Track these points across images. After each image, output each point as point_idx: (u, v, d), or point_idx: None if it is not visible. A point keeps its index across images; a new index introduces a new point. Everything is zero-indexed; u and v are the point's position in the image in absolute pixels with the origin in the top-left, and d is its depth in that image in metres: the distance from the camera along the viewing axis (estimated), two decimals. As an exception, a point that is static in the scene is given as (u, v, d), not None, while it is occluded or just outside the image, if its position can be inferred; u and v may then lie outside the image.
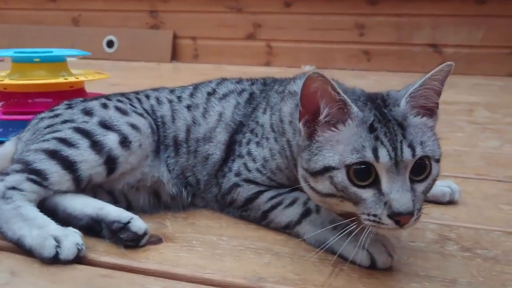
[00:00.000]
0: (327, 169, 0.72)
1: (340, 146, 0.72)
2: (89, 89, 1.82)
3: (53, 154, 0.86)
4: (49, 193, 0.85)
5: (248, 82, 1.08)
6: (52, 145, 0.88)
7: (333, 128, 0.74)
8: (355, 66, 3.95)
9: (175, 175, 0.97)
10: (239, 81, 1.09)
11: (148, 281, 0.72)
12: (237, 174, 0.92)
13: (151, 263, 0.77)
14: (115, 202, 0.93)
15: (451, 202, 1.04)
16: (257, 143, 0.92)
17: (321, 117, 0.75)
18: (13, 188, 0.81)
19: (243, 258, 0.79)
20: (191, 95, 1.05)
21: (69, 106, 1.00)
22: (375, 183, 0.70)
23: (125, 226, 0.80)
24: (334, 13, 3.93)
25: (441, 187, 1.05)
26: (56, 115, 0.98)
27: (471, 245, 0.86)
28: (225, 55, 4.28)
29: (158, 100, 1.04)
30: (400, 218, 0.68)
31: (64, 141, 0.88)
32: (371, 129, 0.71)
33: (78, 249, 0.75)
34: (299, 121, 0.77)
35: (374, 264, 0.76)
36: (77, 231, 0.79)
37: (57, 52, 1.65)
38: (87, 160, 0.87)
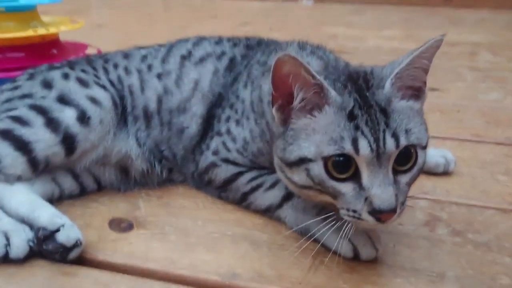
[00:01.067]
0: (302, 161, 0.65)
1: (317, 135, 0.64)
2: (68, 34, 1.69)
3: (6, 135, 0.79)
4: (3, 177, 0.78)
5: (229, 43, 0.97)
6: (6, 124, 0.81)
7: (309, 115, 0.66)
8: (354, 0, 3.74)
9: (146, 149, 0.90)
10: (219, 41, 0.98)
11: (114, 279, 0.67)
12: (215, 153, 0.85)
13: (120, 255, 0.72)
14: (79, 181, 0.87)
15: (445, 173, 0.98)
16: (237, 121, 0.84)
17: (295, 102, 0.66)
18: None
19: (218, 248, 0.74)
20: (163, 60, 0.94)
21: (31, 77, 0.92)
22: (355, 176, 0.63)
23: (51, 234, 0.69)
24: None
25: (435, 157, 0.98)
26: (16, 87, 0.90)
27: (463, 227, 0.80)
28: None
29: (126, 70, 0.94)
30: (381, 216, 0.61)
31: (18, 119, 0.81)
32: (351, 116, 0.63)
33: (30, 246, 0.69)
34: (272, 106, 0.69)
35: (357, 256, 0.71)
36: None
37: (23, 1, 1.50)
38: (42, 139, 0.80)
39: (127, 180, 0.90)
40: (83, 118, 0.82)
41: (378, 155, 0.62)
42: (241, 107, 0.85)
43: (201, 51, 0.95)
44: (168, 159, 0.91)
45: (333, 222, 0.69)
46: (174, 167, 0.92)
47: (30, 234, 0.70)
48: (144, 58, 0.97)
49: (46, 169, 0.82)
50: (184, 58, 0.94)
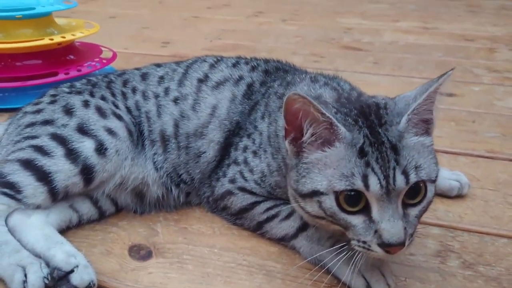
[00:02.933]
0: (315, 193, 0.67)
1: (329, 170, 0.66)
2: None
3: (27, 164, 0.82)
4: (23, 206, 0.81)
5: (247, 66, 0.97)
6: (27, 154, 0.84)
7: (320, 150, 0.68)
8: (370, -14, 3.66)
9: (164, 173, 0.92)
10: (236, 63, 0.98)
11: (135, 313, 0.71)
12: (232, 181, 0.87)
13: (140, 286, 0.75)
14: (97, 205, 0.90)
15: (459, 196, 0.99)
16: (254, 153, 0.85)
17: (305, 137, 0.69)
18: None
19: (234, 279, 0.77)
20: (180, 83, 0.96)
21: (53, 100, 0.94)
22: (366, 210, 0.65)
23: (66, 275, 0.71)
24: None
25: (449, 180, 0.98)
26: (38, 111, 0.92)
27: (474, 258, 0.82)
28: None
29: (144, 95, 0.96)
30: (390, 249, 0.64)
31: (39, 149, 0.84)
32: (362, 153, 0.65)
33: (45, 282, 0.71)
34: (285, 139, 0.71)
35: (369, 292, 0.73)
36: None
37: (40, 8, 1.51)
38: (62, 170, 0.82)
39: (143, 204, 0.93)
40: (100, 149, 0.85)
41: (388, 191, 0.64)
42: (259, 138, 0.86)
43: (218, 74, 0.96)
44: (186, 183, 0.93)
45: (347, 254, 0.71)
46: (192, 191, 0.94)
47: (46, 271, 0.72)
48: (161, 80, 0.98)
49: (64, 198, 0.85)
50: (201, 81, 0.95)
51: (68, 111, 0.90)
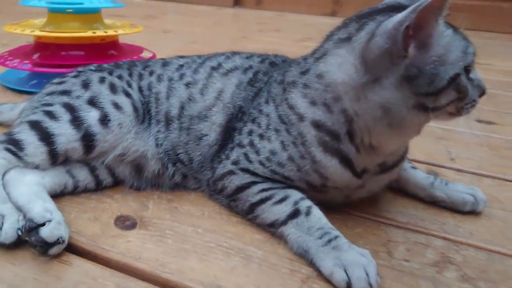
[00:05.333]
0: (454, 79, 0.73)
1: (451, 54, 0.73)
2: (138, 36, 1.79)
3: (34, 125, 0.87)
4: (23, 164, 0.84)
5: (258, 58, 1.00)
6: (37, 116, 0.88)
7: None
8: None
9: (162, 150, 0.93)
10: (249, 56, 1.01)
11: (103, 275, 0.70)
12: (235, 163, 0.86)
13: (115, 252, 0.74)
14: (95, 173, 0.91)
15: (472, 212, 0.91)
16: (261, 136, 0.84)
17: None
18: None
19: (209, 258, 0.74)
20: (195, 70, 0.98)
21: (77, 75, 1.01)
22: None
23: (36, 227, 0.71)
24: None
25: (463, 194, 0.91)
26: (61, 82, 0.99)
27: (476, 274, 0.74)
28: (289, 2, 4.08)
29: (159, 77, 0.99)
30: (482, 95, 0.79)
31: (49, 113, 0.88)
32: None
33: (18, 234, 0.73)
34: (408, 47, 0.71)
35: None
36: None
37: (88, 3, 1.61)
38: (64, 134, 0.86)
39: (140, 178, 0.94)
40: (104, 120, 0.88)
41: None
42: (266, 121, 0.85)
43: (230, 63, 0.98)
44: (183, 163, 0.93)
45: (335, 248, 0.71)
46: (189, 173, 0.94)
47: (21, 223, 0.73)
48: (180, 67, 1.01)
49: (64, 162, 0.88)
50: (213, 69, 0.97)
51: (86, 85, 0.95)
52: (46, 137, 0.85)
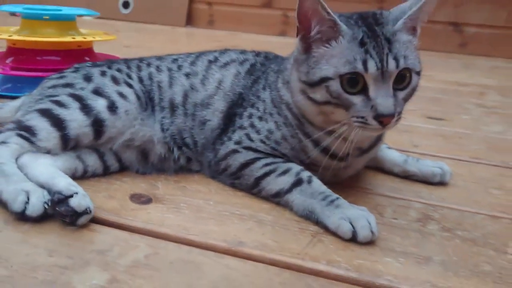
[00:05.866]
0: (323, 80, 0.81)
1: (334, 59, 0.81)
2: (101, 49, 1.83)
3: (44, 112, 0.91)
4: (35, 149, 0.88)
5: (252, 53, 1.10)
6: (46, 105, 0.93)
7: (326, 45, 0.82)
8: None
9: (169, 135, 1.00)
10: (243, 51, 1.11)
11: (133, 238, 0.75)
12: (238, 143, 0.94)
13: (138, 221, 0.80)
14: (103, 159, 0.96)
15: (441, 183, 1.05)
16: (260, 118, 0.95)
17: (312, 33, 0.83)
18: (2, 143, 0.86)
19: (226, 223, 0.82)
20: (192, 63, 1.06)
21: (75, 70, 1.05)
22: (364, 91, 0.80)
23: (65, 199, 0.76)
24: (354, -15, 3.84)
25: (432, 167, 1.05)
26: (61, 77, 1.03)
27: (453, 226, 0.87)
28: (240, 22, 4.23)
29: (158, 68, 1.06)
30: (383, 119, 0.79)
31: (57, 102, 0.93)
32: (361, 43, 0.80)
33: (45, 207, 0.76)
34: (297, 36, 0.85)
35: (355, 238, 0.77)
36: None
37: (66, 10, 1.65)
38: (76, 119, 0.91)
39: (146, 163, 1.00)
40: (112, 107, 0.94)
41: (382, 73, 0.79)
42: (263, 105, 0.96)
43: (226, 57, 1.07)
44: (188, 146, 1.00)
45: (337, 206, 0.81)
46: (193, 156, 1.01)
47: (47, 197, 0.78)
48: (175, 60, 1.09)
49: (74, 148, 0.92)
50: (211, 62, 1.06)
51: (88, 78, 1.00)
52: (58, 122, 0.90)
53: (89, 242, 0.73)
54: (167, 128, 1.00)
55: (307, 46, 0.85)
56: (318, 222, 0.82)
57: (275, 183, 0.89)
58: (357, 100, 0.80)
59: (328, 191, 0.86)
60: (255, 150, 0.93)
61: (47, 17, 1.62)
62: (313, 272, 0.70)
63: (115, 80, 1.00)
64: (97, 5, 4.19)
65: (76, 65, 1.09)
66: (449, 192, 1.02)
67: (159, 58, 1.11)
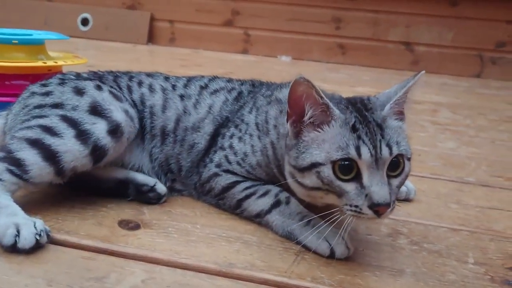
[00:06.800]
0: (314, 165, 0.79)
1: (326, 144, 0.79)
2: (67, 69, 1.83)
3: (34, 143, 0.86)
4: (30, 186, 0.87)
5: (238, 82, 1.15)
6: (36, 134, 0.88)
7: (318, 129, 0.81)
8: (330, 59, 4.04)
9: (157, 164, 1.03)
10: (229, 80, 1.16)
11: (128, 264, 0.79)
12: (218, 166, 0.99)
13: (130, 247, 0.83)
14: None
15: (406, 200, 1.14)
16: (240, 138, 0.99)
17: (306, 118, 0.82)
18: None
19: (215, 245, 0.87)
20: (185, 85, 1.10)
21: (61, 82, 0.99)
22: (357, 178, 0.77)
23: (152, 188, 0.98)
24: (313, 5, 4.00)
25: (398, 185, 1.14)
26: (47, 93, 0.97)
27: (420, 239, 0.96)
28: (202, 40, 4.29)
29: (150, 87, 1.07)
30: (379, 209, 0.75)
31: (48, 130, 0.89)
32: (354, 129, 0.79)
33: (37, 239, 0.77)
34: (287, 122, 0.84)
35: (333, 255, 0.84)
36: (39, 220, 0.80)
37: (36, 35, 1.65)
38: (71, 150, 0.87)
39: None
40: (115, 131, 0.92)
41: (376, 160, 0.77)
42: (245, 127, 0.99)
43: (215, 85, 1.12)
44: (173, 172, 1.04)
45: (314, 226, 0.85)
46: (177, 179, 1.05)
47: (39, 228, 0.78)
48: (167, 78, 1.12)
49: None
50: (202, 88, 1.10)
51: (79, 91, 0.95)
52: (50, 155, 0.86)
53: (86, 269, 0.76)
54: (156, 158, 1.03)
55: (297, 131, 0.83)
56: (297, 242, 0.88)
57: (255, 205, 0.94)
58: (350, 187, 0.77)
59: (305, 211, 0.91)
60: (233, 173, 0.98)
61: (16, 42, 1.62)
62: (300, 289, 0.76)
63: (116, 97, 0.97)
64: (55, 22, 4.14)
65: (60, 76, 1.04)
66: (414, 207, 1.12)
67: (149, 74, 1.13)
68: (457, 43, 3.84)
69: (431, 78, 3.82)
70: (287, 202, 0.93)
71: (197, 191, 1.03)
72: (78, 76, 1.07)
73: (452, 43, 3.86)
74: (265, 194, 0.94)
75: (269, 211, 0.92)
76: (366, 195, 0.76)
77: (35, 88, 1.01)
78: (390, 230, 0.99)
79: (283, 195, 0.94)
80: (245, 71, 3.34)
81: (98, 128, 0.91)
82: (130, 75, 1.12)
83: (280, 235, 0.91)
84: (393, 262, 0.85)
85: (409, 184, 1.16)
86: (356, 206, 0.77)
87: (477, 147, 1.75)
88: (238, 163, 0.98)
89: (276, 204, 0.92)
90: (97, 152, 0.90)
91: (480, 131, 2.02)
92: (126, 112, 0.96)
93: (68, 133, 0.89)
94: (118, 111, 0.94)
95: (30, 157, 0.86)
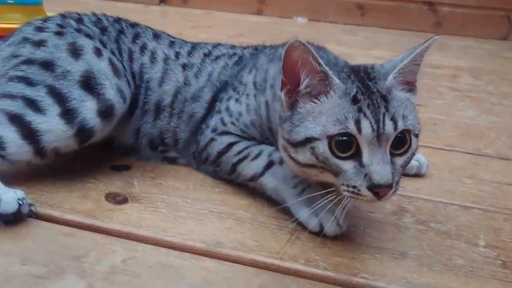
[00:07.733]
0: (308, 140, 0.71)
1: (323, 117, 0.71)
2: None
3: (14, 119, 0.80)
4: (7, 163, 0.81)
5: (241, 47, 1.08)
6: (17, 108, 0.81)
7: (315, 100, 0.73)
8: (347, 20, 3.86)
9: (145, 141, 0.99)
10: (233, 46, 1.09)
11: (110, 242, 0.74)
12: (214, 130, 0.93)
13: (115, 223, 0.79)
14: None
15: (417, 175, 1.07)
16: (236, 100, 0.93)
17: (301, 87, 0.73)
18: None
19: (205, 222, 0.81)
20: (189, 53, 1.03)
21: (59, 31, 0.90)
22: (356, 155, 0.69)
23: None
24: (330, -37, 3.80)
25: (408, 159, 1.06)
26: (40, 43, 0.87)
27: (427, 218, 0.89)
28: (215, 1, 4.14)
29: (153, 56, 1.00)
30: (379, 190, 0.68)
31: (32, 103, 0.81)
32: (354, 100, 0.70)
33: (19, 204, 0.73)
34: (281, 91, 0.76)
35: (323, 231, 0.77)
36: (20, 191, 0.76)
37: (31, -5, 1.58)
38: (53, 130, 0.81)
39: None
40: (105, 113, 0.85)
41: (378, 135, 0.68)
42: (243, 89, 0.93)
43: (218, 51, 1.05)
44: (166, 145, 0.99)
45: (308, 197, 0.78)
46: (171, 149, 1.00)
47: (20, 195, 0.75)
48: (172, 43, 1.05)
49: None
50: (205, 55, 1.04)
51: (75, 51, 0.86)
52: (30, 133, 0.79)
53: (65, 247, 0.72)
54: (144, 134, 0.98)
55: (292, 102, 0.75)
56: (289, 212, 0.82)
57: (249, 168, 0.88)
58: (348, 166, 0.69)
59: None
60: (228, 133, 0.92)
61: (11, 1, 1.55)
62: (291, 272, 0.71)
63: (115, 69, 0.88)
64: (65, -17, 4.04)
65: (59, 21, 0.94)
66: (423, 182, 1.04)
67: (156, 35, 1.05)
68: (484, 3, 3.61)
69: (452, 41, 3.63)
70: (281, 162, 0.84)
71: (195, 160, 0.98)
72: (80, 22, 0.97)
73: (478, 3, 3.63)
74: (258, 155, 0.88)
75: (262, 173, 0.86)
76: (366, 175, 0.68)
77: (29, 33, 0.91)
78: (395, 208, 0.92)
79: (277, 155, 0.86)
80: (257, 33, 3.22)
81: (87, 107, 0.83)
82: (135, 32, 1.03)
83: (274, 199, 0.85)
84: (396, 244, 0.79)
85: (421, 157, 1.08)
86: (354, 187, 0.69)
87: (498, 116, 1.63)
88: (232, 123, 0.92)
89: (270, 164, 0.86)
90: (84, 134, 0.84)
91: (502, 99, 1.89)
92: (121, 92, 0.89)
93: (53, 110, 0.82)
94: (112, 89, 0.86)
95: (9, 134, 0.79)
